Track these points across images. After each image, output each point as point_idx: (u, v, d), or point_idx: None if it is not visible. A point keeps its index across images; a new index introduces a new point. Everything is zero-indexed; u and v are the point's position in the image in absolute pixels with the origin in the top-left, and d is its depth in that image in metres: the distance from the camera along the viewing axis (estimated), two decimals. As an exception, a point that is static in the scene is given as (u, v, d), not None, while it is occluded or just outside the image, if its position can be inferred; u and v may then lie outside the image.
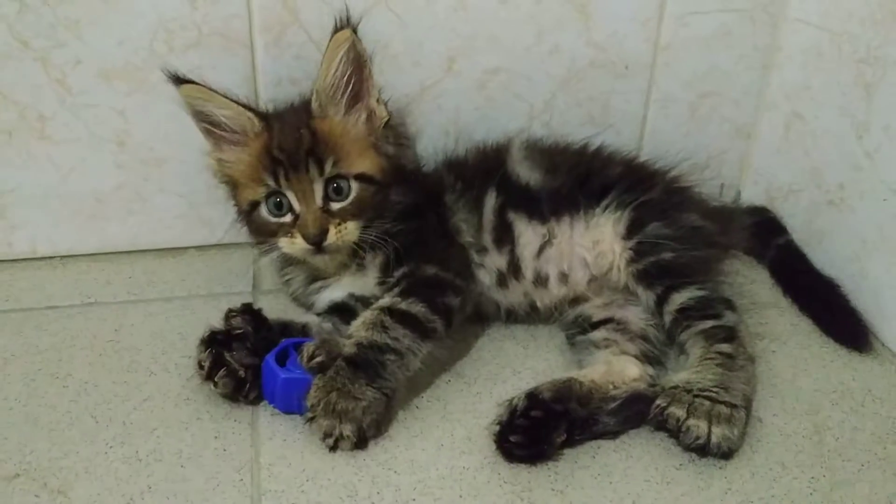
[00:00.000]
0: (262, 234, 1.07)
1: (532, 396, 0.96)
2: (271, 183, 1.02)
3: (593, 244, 1.11)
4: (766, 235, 1.27)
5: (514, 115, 1.27)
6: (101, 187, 1.22)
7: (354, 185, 1.03)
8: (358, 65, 1.02)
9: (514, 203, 1.11)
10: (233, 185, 1.08)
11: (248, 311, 1.04)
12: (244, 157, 1.05)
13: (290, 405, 0.97)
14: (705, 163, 1.35)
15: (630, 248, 1.08)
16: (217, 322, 1.03)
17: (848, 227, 1.19)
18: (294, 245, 1.03)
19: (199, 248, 1.29)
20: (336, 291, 1.10)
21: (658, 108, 1.31)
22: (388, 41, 1.18)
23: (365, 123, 1.06)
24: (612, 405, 0.98)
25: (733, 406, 0.95)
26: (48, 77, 1.13)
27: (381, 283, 1.06)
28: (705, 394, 0.96)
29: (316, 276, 1.11)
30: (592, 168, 1.15)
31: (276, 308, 1.14)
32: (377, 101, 1.06)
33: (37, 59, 1.12)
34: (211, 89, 1.02)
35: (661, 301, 1.06)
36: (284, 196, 1.03)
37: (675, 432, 0.95)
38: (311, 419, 0.93)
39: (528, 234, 1.11)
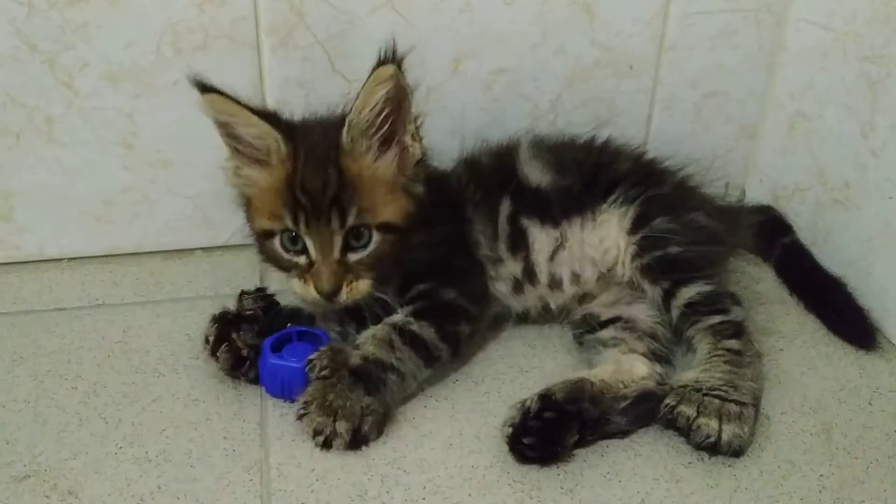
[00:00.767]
0: (273, 263, 1.04)
1: (545, 398, 0.95)
2: (289, 224, 0.98)
3: (600, 241, 1.11)
4: (771, 234, 1.27)
5: (520, 115, 1.27)
6: (108, 189, 1.22)
7: (376, 236, 0.98)
8: (398, 102, 0.97)
9: (526, 209, 1.10)
10: (247, 203, 1.04)
11: (261, 295, 1.05)
12: (264, 182, 1.00)
13: (275, 390, 1.00)
14: (710, 162, 1.34)
15: (635, 243, 1.08)
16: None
17: (854, 225, 1.19)
18: (306, 291, 1.00)
19: (205, 249, 1.29)
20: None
21: (663, 107, 1.32)
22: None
23: (396, 163, 0.99)
24: (623, 404, 0.98)
25: (742, 404, 0.96)
26: (56, 80, 1.14)
27: (398, 296, 1.04)
28: (714, 392, 0.96)
29: None
30: (601, 164, 1.14)
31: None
32: (412, 136, 1.00)
33: (44, 62, 1.13)
34: (238, 102, 0.96)
35: (668, 296, 1.06)
36: (301, 238, 0.99)
37: (685, 431, 0.95)
38: (304, 415, 0.94)
39: (541, 239, 1.10)
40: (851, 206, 1.20)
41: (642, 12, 1.24)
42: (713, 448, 0.94)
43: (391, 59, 0.94)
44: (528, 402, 0.96)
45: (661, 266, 1.07)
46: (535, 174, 1.12)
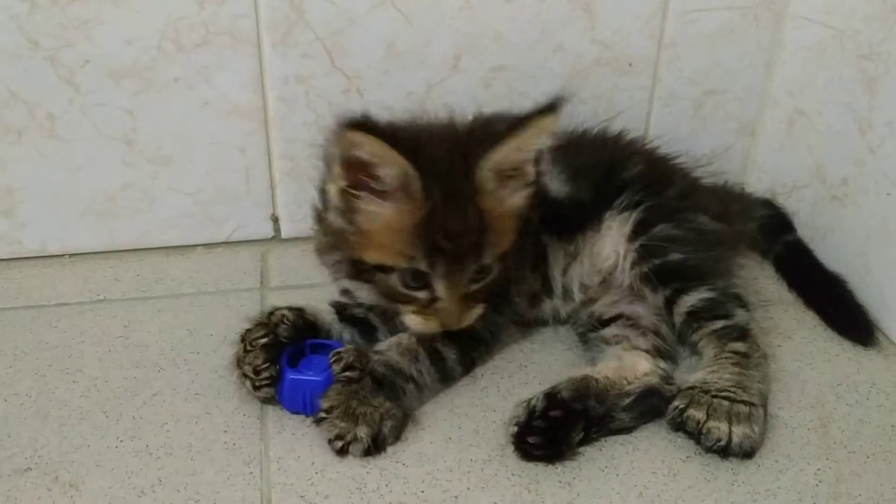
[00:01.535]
0: (381, 294, 0.98)
1: (551, 397, 0.95)
2: (423, 267, 0.92)
3: (602, 248, 1.10)
4: (773, 231, 1.27)
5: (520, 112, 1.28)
6: (109, 186, 1.23)
7: (496, 266, 0.96)
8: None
9: (548, 225, 1.07)
10: (355, 229, 0.95)
11: (299, 318, 1.01)
12: (391, 220, 0.92)
13: (296, 405, 0.97)
14: (710, 159, 1.35)
15: (634, 250, 1.07)
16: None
17: (852, 222, 1.20)
18: (424, 325, 0.96)
19: (206, 245, 1.30)
20: None
21: (662, 104, 1.32)
22: (393, 40, 1.19)
23: (521, 202, 0.96)
24: (627, 401, 0.98)
25: (752, 405, 0.96)
26: (57, 76, 1.14)
27: None
28: (723, 394, 0.96)
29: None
30: (612, 167, 1.12)
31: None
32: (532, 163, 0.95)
33: (46, 59, 1.13)
34: (385, 142, 0.87)
35: (669, 303, 1.06)
36: (428, 276, 0.94)
37: (695, 435, 0.95)
38: (324, 419, 0.93)
39: (558, 254, 1.10)
40: (849, 202, 1.20)
41: (641, 10, 1.24)
42: (724, 451, 0.94)
43: (554, 107, 0.90)
44: (533, 401, 0.96)
45: (661, 274, 1.06)
46: (556, 185, 1.09)
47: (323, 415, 0.93)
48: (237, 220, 1.29)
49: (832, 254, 1.22)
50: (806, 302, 1.20)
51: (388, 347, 0.99)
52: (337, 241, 0.99)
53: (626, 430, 0.98)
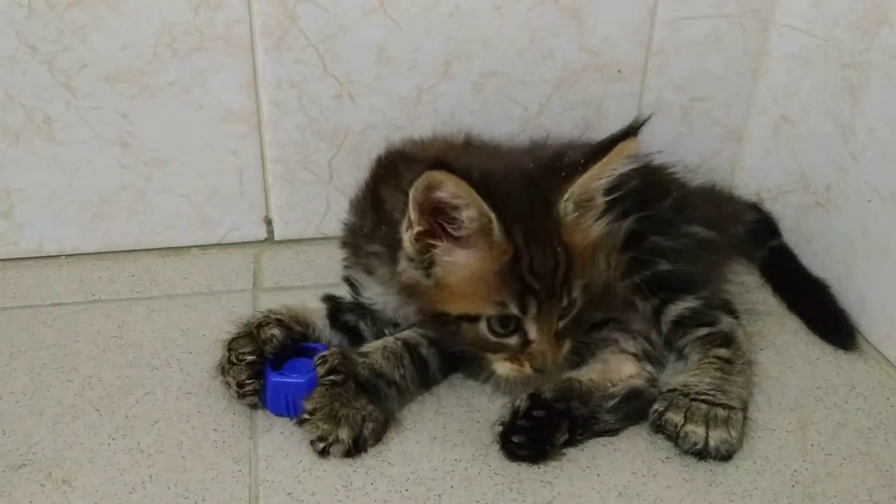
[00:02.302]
0: (467, 345, 0.96)
1: (534, 397, 0.97)
2: (514, 310, 0.90)
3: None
4: (759, 236, 1.29)
5: (509, 118, 1.30)
6: (105, 188, 1.25)
7: (580, 298, 0.94)
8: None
9: None
10: (433, 281, 0.92)
11: (288, 335, 1.03)
12: (474, 267, 0.90)
13: (279, 408, 0.99)
14: (697, 165, 1.36)
15: (625, 262, 1.08)
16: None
17: (835, 227, 1.21)
18: (518, 373, 0.95)
19: (200, 247, 1.32)
20: None
21: (650, 111, 1.33)
22: (385, 45, 1.21)
23: (604, 231, 0.95)
24: (612, 403, 0.99)
25: (730, 408, 0.97)
26: (54, 80, 1.16)
27: None
28: (702, 397, 0.98)
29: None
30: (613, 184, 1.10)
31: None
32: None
33: (43, 63, 1.15)
34: (467, 183, 0.84)
35: (657, 312, 1.08)
36: (519, 320, 0.92)
37: (673, 438, 0.97)
38: (306, 421, 0.94)
39: None
40: (832, 208, 1.22)
41: (630, 18, 1.26)
42: (701, 454, 0.96)
43: (634, 131, 0.89)
44: (517, 402, 0.97)
45: (650, 284, 1.07)
46: None
47: (306, 416, 0.95)
48: (231, 222, 1.31)
49: (815, 259, 1.24)
50: (789, 306, 1.22)
51: (373, 350, 1.01)
52: (410, 292, 0.96)
53: (611, 431, 0.99)
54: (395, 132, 1.23)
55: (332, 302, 1.09)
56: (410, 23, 1.20)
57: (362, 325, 1.09)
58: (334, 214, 1.30)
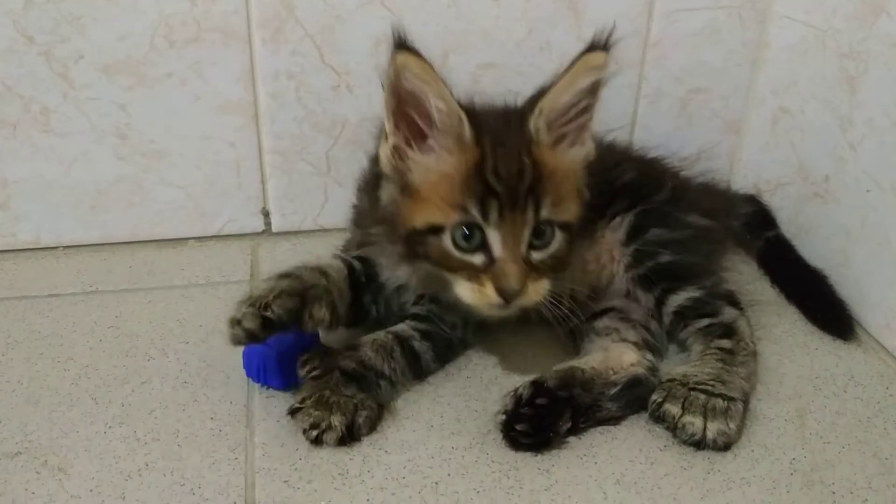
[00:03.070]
0: (432, 264, 0.93)
1: (537, 385, 0.97)
2: (475, 214, 0.89)
3: (597, 257, 1.11)
4: (756, 227, 1.29)
5: (507, 109, 1.30)
6: (102, 179, 1.25)
7: (558, 234, 0.93)
8: (594, 94, 0.91)
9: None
10: (406, 193, 0.93)
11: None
12: (441, 168, 0.90)
13: (251, 373, 1.02)
14: (696, 157, 1.37)
15: (629, 255, 1.08)
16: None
17: (833, 218, 1.21)
18: (480, 295, 0.91)
19: (198, 238, 1.32)
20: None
21: (648, 103, 1.34)
22: (382, 36, 1.20)
23: (578, 162, 0.94)
24: (613, 391, 0.99)
25: (730, 399, 0.97)
26: (52, 71, 1.16)
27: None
28: (701, 387, 0.97)
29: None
30: (606, 178, 1.10)
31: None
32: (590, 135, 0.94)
33: (41, 54, 1.15)
34: (434, 70, 0.86)
35: (659, 303, 1.08)
36: (483, 233, 0.90)
37: (671, 428, 0.97)
38: (298, 410, 0.94)
39: None
40: (831, 199, 1.22)
41: (627, 9, 1.26)
42: (699, 445, 0.95)
43: (604, 44, 0.88)
44: (520, 390, 0.97)
45: (654, 275, 1.07)
46: None
47: (297, 405, 0.94)
48: (228, 213, 1.31)
49: (814, 250, 1.24)
50: (787, 297, 1.22)
51: (363, 343, 1.00)
52: (391, 222, 0.95)
53: (614, 419, 0.99)
54: (392, 123, 1.23)
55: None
56: (408, 13, 1.20)
57: (374, 310, 1.08)
58: (332, 206, 1.31)
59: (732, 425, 0.96)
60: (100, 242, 1.29)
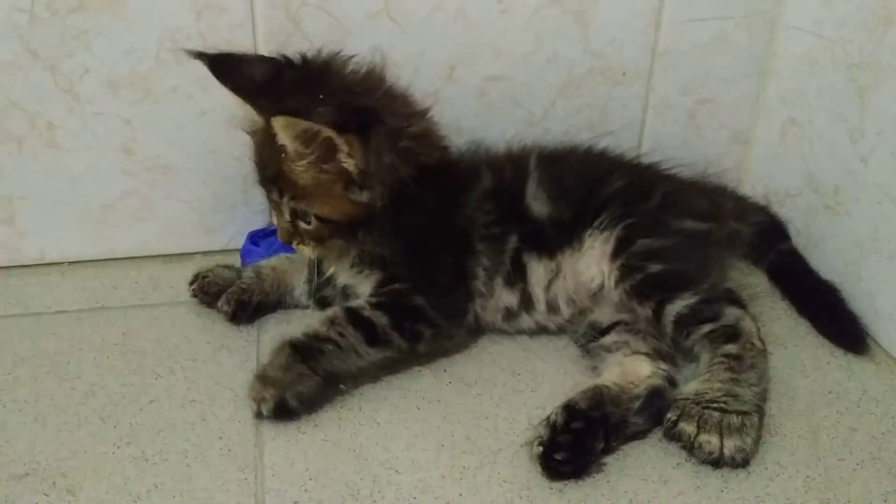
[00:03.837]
0: None
1: (569, 409, 0.95)
2: (258, 179, 1.09)
3: (586, 267, 1.11)
4: (767, 240, 1.27)
5: (514, 121, 1.29)
6: (108, 194, 1.24)
7: (314, 222, 1.06)
8: (307, 142, 0.98)
9: (529, 243, 1.11)
10: None
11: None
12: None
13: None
14: (704, 168, 1.36)
15: (617, 268, 1.08)
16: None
17: (844, 230, 1.20)
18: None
19: (204, 253, 1.31)
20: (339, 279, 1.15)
21: (656, 113, 1.33)
22: (389, 49, 1.20)
23: (332, 175, 1.02)
24: (637, 404, 0.98)
25: (744, 413, 0.96)
26: (57, 86, 1.16)
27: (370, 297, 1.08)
28: (714, 405, 0.96)
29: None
30: (593, 187, 1.13)
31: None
32: (348, 155, 1.00)
33: (46, 69, 1.15)
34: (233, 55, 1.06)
35: (657, 315, 1.06)
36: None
37: (688, 448, 0.96)
38: (251, 386, 1.00)
39: (539, 271, 1.11)
40: (842, 211, 1.21)
41: (635, 21, 1.25)
42: (717, 463, 0.95)
43: (284, 112, 0.96)
44: (553, 417, 0.95)
45: (644, 287, 1.06)
46: (539, 205, 1.12)
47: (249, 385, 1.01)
48: (234, 228, 1.30)
49: (825, 262, 1.23)
50: (799, 310, 1.20)
51: (314, 319, 1.06)
52: None
53: (642, 434, 0.98)
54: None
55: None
56: (415, 27, 1.20)
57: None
58: (339, 220, 1.30)
59: (749, 440, 0.95)
60: (105, 258, 1.28)
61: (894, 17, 1.09)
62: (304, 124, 0.96)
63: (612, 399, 0.97)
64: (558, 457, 0.93)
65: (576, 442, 0.93)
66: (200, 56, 1.04)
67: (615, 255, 1.08)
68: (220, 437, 0.97)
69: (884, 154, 1.12)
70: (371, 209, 1.04)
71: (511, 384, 1.07)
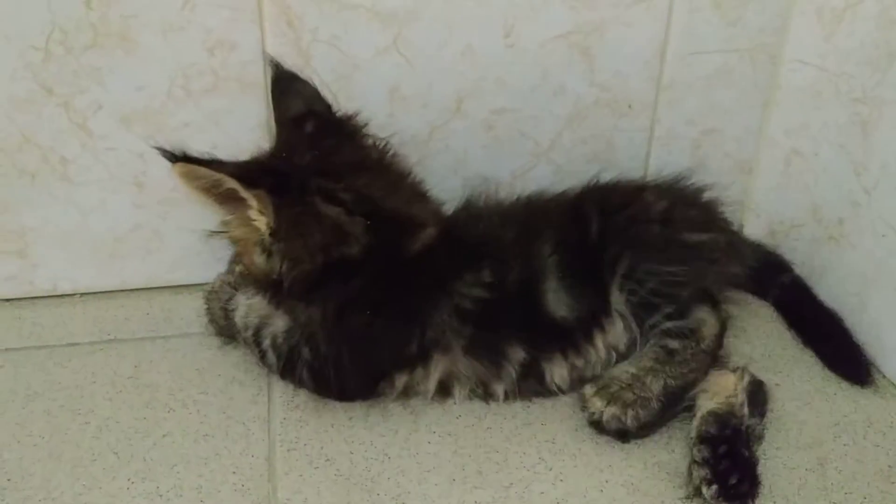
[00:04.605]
0: None
1: (704, 439, 0.98)
2: None
3: (612, 342, 1.11)
4: (769, 274, 1.28)
5: (521, 153, 1.31)
6: (120, 227, 1.25)
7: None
8: (209, 189, 1.00)
9: (546, 349, 1.08)
10: None
11: None
12: None
13: None
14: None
15: (619, 292, 1.09)
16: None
17: (848, 262, 1.22)
18: None
19: (214, 284, 1.32)
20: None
21: (661, 145, 1.35)
22: (397, 84, 1.22)
23: (251, 229, 1.02)
24: (745, 409, 1.01)
25: (643, 398, 1.02)
26: (70, 122, 1.17)
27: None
28: (617, 382, 1.03)
29: None
30: (601, 258, 1.10)
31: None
32: (259, 212, 1.00)
33: (60, 105, 1.16)
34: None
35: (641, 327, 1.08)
36: None
37: (582, 410, 1.05)
38: None
39: (561, 371, 1.09)
40: (846, 243, 1.22)
41: (640, 54, 1.27)
42: (597, 425, 1.02)
43: (182, 158, 0.98)
44: (697, 455, 0.97)
45: (638, 310, 1.08)
46: (560, 308, 1.09)
47: None
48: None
49: (829, 293, 1.24)
50: (805, 342, 1.21)
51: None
52: None
53: (762, 437, 1.02)
54: (407, 170, 1.24)
55: None
56: (423, 61, 1.21)
57: None
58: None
59: (630, 414, 1.01)
60: (117, 289, 1.29)
61: (897, 52, 1.11)
62: (202, 171, 0.98)
63: (728, 416, 1.00)
64: (732, 481, 0.94)
65: (735, 461, 0.96)
66: (273, 64, 1.11)
67: (611, 276, 1.09)
68: (234, 472, 0.98)
69: (887, 187, 1.14)
70: (275, 280, 1.02)
71: (521, 417, 1.07)
